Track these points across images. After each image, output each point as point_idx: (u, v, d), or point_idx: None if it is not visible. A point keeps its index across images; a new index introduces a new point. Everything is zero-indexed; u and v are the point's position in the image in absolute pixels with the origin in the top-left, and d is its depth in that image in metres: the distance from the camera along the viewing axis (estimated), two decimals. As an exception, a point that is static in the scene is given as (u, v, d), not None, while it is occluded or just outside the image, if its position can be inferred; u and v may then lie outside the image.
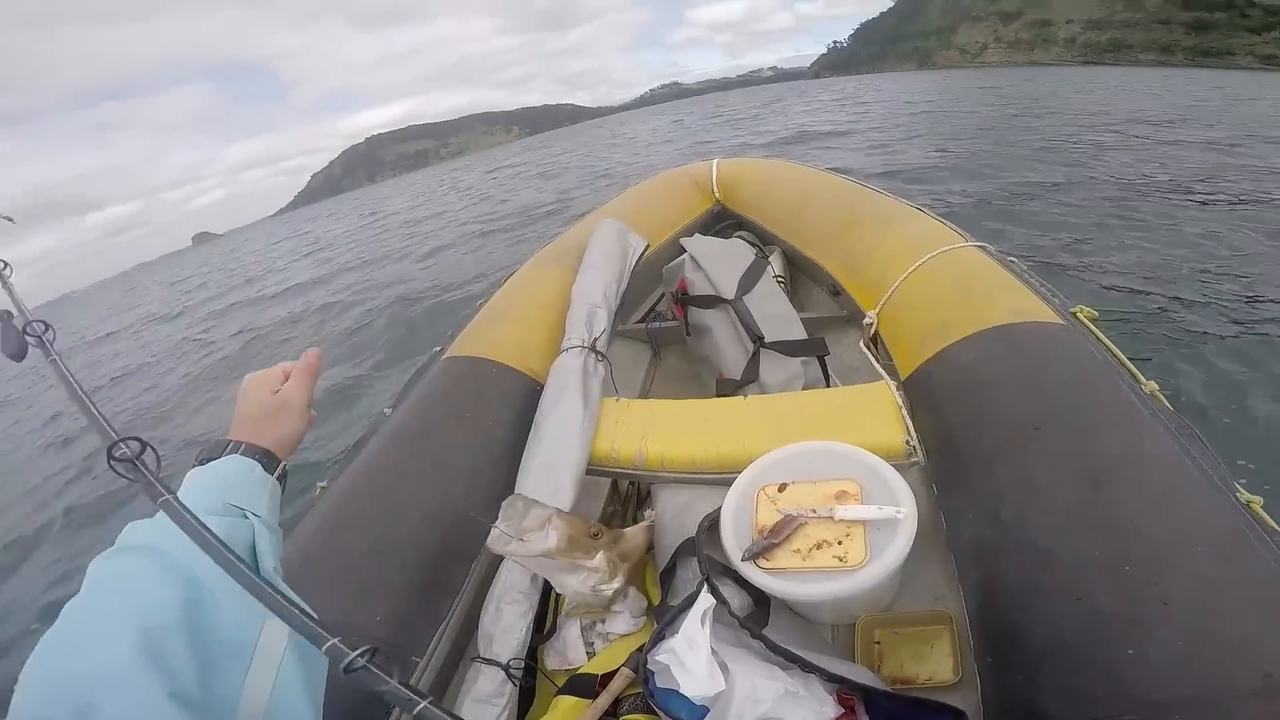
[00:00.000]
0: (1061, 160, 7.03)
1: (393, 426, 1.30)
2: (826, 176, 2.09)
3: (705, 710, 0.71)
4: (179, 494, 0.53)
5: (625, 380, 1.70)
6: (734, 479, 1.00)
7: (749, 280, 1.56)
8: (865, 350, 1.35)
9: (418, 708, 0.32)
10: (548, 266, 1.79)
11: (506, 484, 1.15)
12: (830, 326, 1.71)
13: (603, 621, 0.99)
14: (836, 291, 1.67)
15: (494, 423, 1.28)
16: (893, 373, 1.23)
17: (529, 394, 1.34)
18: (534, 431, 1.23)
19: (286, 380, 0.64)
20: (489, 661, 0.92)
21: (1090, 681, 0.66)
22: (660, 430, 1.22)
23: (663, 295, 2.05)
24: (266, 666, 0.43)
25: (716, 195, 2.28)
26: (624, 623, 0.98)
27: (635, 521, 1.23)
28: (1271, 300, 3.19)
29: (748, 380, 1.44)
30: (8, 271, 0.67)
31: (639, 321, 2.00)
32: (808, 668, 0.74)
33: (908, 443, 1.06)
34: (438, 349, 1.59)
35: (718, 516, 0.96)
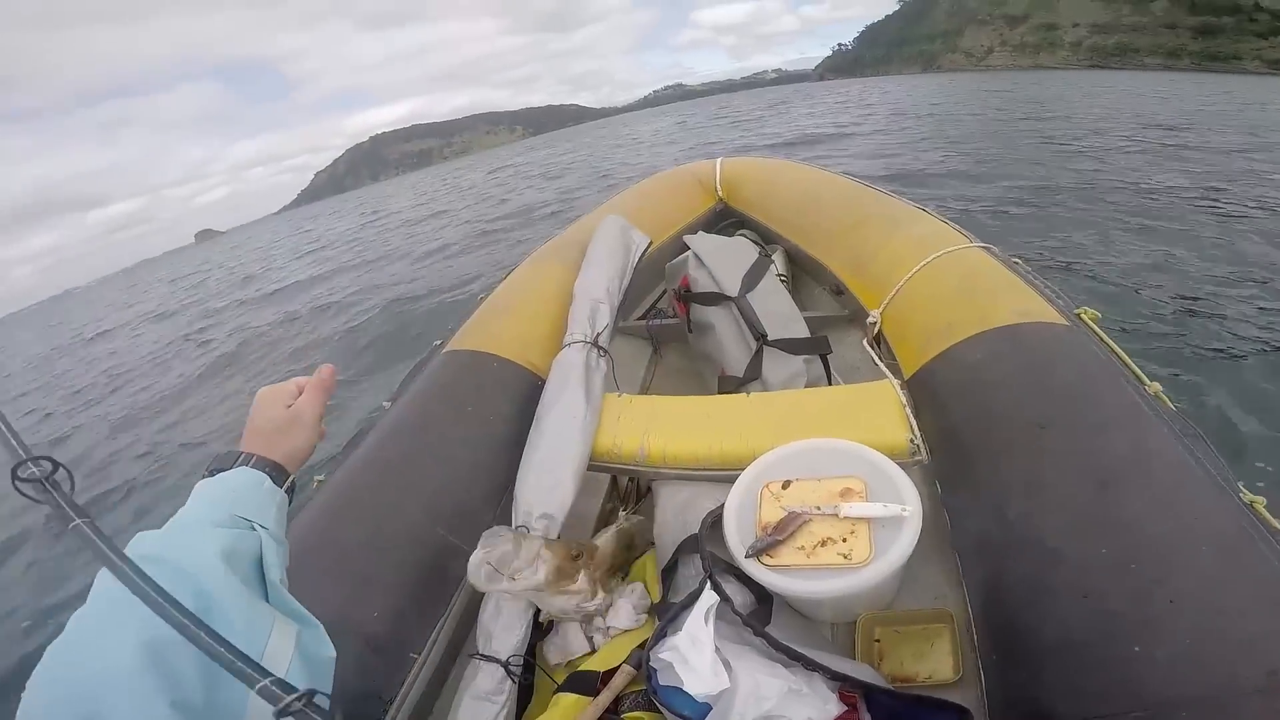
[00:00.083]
0: (1067, 164, 7.03)
1: (392, 420, 1.29)
2: (830, 177, 2.09)
3: (708, 708, 0.70)
4: (188, 504, 0.53)
5: (625, 377, 1.70)
6: (736, 476, 1.00)
7: (752, 278, 1.56)
8: (868, 349, 1.35)
9: None
10: (550, 262, 1.78)
11: (507, 478, 1.15)
12: (832, 326, 1.70)
13: (603, 615, 0.99)
14: (839, 291, 1.66)
15: (495, 417, 1.27)
16: (896, 372, 1.23)
17: (530, 388, 1.34)
18: (535, 426, 1.22)
19: (300, 395, 0.65)
20: (488, 658, 0.91)
21: (1096, 679, 0.66)
22: (663, 426, 1.21)
23: (664, 293, 2.05)
24: None
25: (719, 194, 2.28)
26: (625, 617, 0.97)
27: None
28: (1276, 307, 3.18)
29: (750, 377, 1.44)
30: None
31: (639, 319, 2.00)
32: (811, 665, 0.73)
33: (911, 440, 1.05)
34: (438, 343, 1.59)
35: (721, 513, 0.95)
